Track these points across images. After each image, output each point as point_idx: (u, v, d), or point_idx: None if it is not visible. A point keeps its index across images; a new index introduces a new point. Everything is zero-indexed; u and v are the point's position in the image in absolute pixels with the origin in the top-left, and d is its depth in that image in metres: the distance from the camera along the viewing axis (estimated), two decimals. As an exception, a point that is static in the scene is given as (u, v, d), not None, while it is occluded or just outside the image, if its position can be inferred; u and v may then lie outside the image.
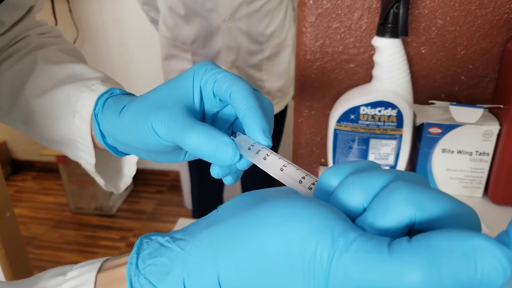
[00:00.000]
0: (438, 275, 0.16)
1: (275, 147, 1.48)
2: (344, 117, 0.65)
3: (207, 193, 1.44)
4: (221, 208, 0.25)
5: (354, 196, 0.21)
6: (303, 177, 0.25)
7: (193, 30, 1.16)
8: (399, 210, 0.19)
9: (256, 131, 0.30)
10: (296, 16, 0.70)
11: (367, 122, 0.64)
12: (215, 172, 0.32)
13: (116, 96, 0.40)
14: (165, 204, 2.27)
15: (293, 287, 0.20)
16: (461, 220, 0.19)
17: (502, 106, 0.62)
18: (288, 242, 0.20)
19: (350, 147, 0.67)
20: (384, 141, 0.66)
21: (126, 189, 2.32)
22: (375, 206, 0.20)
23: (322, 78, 0.70)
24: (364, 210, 0.21)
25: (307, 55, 0.69)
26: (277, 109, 1.33)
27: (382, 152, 0.66)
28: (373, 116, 0.64)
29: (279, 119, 1.39)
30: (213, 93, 0.33)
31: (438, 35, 0.65)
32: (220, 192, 1.51)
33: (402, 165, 0.67)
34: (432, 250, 0.17)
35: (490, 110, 0.66)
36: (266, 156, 0.28)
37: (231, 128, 0.36)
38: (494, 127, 0.62)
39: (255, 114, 0.30)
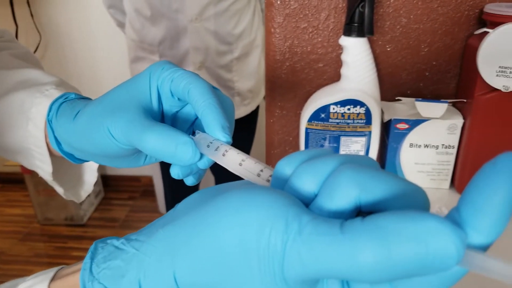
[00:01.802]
0: (389, 255, 0.16)
1: (247, 147, 1.48)
2: (315, 116, 0.66)
3: (181, 197, 1.42)
4: (178, 206, 0.25)
5: (306, 183, 0.21)
6: (261, 170, 0.25)
7: (160, 31, 1.15)
8: (343, 192, 0.19)
9: (215, 128, 0.29)
10: (264, 17, 0.70)
11: (337, 120, 0.65)
12: (175, 173, 0.32)
13: (71, 100, 0.39)
14: (139, 211, 2.23)
15: (250, 281, 0.19)
16: (409, 200, 0.19)
17: (465, 100, 0.64)
18: (243, 232, 0.19)
19: (322, 146, 0.68)
20: (354, 138, 0.67)
21: (97, 196, 2.27)
22: (323, 191, 0.20)
23: (292, 78, 0.71)
24: (316, 196, 0.21)
25: (277, 55, 0.70)
26: (248, 109, 1.33)
27: (352, 149, 0.68)
28: (342, 114, 0.65)
29: (250, 120, 1.39)
30: (171, 92, 0.33)
31: (403, 33, 0.66)
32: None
33: (372, 161, 0.68)
34: (384, 231, 0.16)
35: (454, 104, 0.68)
36: (225, 152, 0.28)
37: (192, 127, 0.36)
38: (458, 121, 0.64)
39: (214, 110, 0.30)
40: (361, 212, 0.20)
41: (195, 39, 1.15)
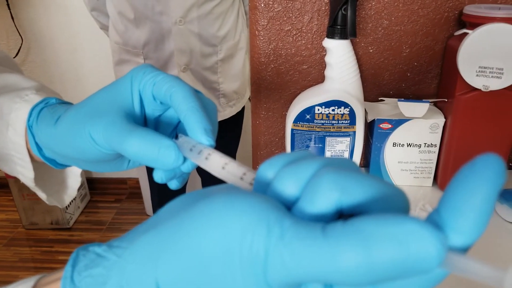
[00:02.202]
0: (370, 259, 0.16)
1: (234, 148, 1.48)
2: (300, 117, 0.67)
3: (168, 199, 1.42)
4: (161, 211, 0.25)
5: (288, 186, 0.21)
6: (244, 173, 0.25)
7: (144, 33, 1.15)
8: (325, 195, 0.19)
9: (198, 131, 0.29)
10: (249, 20, 0.71)
11: (322, 121, 0.66)
12: (158, 177, 0.32)
13: (52, 105, 0.39)
14: (125, 213, 2.21)
15: (234, 286, 0.19)
16: (389, 202, 0.19)
17: (446, 100, 0.66)
18: (225, 238, 0.19)
19: (308, 146, 0.69)
20: (339, 139, 0.68)
21: (83, 200, 2.24)
22: (304, 194, 0.20)
23: (277, 80, 0.72)
24: (298, 199, 0.21)
25: (261, 57, 0.70)
26: (234, 110, 1.34)
27: (337, 149, 0.69)
28: (327, 115, 0.66)
29: (236, 121, 1.40)
30: (153, 96, 0.33)
31: (385, 34, 0.68)
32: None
33: (356, 160, 0.69)
34: (365, 234, 0.17)
35: (435, 104, 0.70)
36: (208, 156, 0.28)
37: (176, 131, 0.36)
38: (439, 120, 0.65)
39: (196, 114, 0.30)
40: (343, 215, 0.20)
41: (180, 41, 1.14)
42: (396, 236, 0.16)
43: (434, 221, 0.18)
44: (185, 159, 0.30)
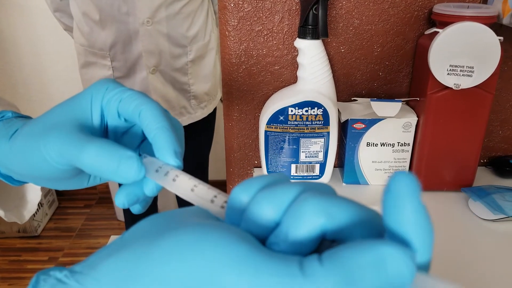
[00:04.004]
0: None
1: (206, 151, 1.46)
2: (274, 119, 0.66)
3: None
4: (126, 234, 0.23)
5: (266, 211, 0.20)
6: (215, 196, 0.24)
7: (110, 35, 1.11)
8: (310, 220, 0.19)
9: (167, 152, 0.28)
10: (218, 20, 0.69)
11: (296, 122, 0.65)
12: (120, 202, 0.30)
13: (8, 119, 0.36)
14: (95, 219, 2.16)
15: None
16: (369, 226, 0.20)
17: (418, 99, 0.66)
18: (195, 276, 0.18)
19: (282, 148, 0.68)
20: (313, 140, 0.67)
21: (51, 206, 2.17)
22: (287, 219, 0.20)
23: (249, 81, 0.70)
24: (277, 225, 0.20)
25: (232, 58, 0.69)
26: (205, 112, 1.32)
27: (312, 150, 0.68)
28: (301, 116, 0.65)
29: (208, 122, 1.38)
30: (118, 113, 0.31)
31: (356, 34, 0.67)
32: (154, 200, 1.46)
33: (331, 161, 0.69)
34: (346, 268, 0.17)
35: (408, 103, 0.70)
36: (176, 178, 0.26)
37: (138, 150, 0.34)
38: (412, 119, 0.65)
39: (167, 134, 0.29)
40: (325, 240, 0.20)
41: (148, 42, 1.11)
42: (374, 262, 0.17)
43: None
44: (146, 178, 0.28)
